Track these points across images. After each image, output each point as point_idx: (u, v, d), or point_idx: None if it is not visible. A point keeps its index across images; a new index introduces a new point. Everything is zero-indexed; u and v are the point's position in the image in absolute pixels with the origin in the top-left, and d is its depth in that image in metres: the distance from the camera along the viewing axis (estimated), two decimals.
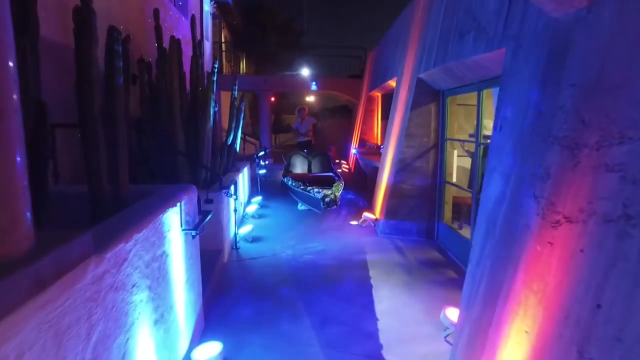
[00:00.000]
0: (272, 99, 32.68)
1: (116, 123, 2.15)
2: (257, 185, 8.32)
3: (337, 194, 5.82)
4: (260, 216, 6.92)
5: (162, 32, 5.27)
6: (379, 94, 10.70)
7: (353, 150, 10.57)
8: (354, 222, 6.47)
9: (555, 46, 2.21)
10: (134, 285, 1.83)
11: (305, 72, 13.56)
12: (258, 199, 7.50)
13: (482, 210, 2.74)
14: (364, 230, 6.14)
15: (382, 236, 5.80)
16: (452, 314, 3.07)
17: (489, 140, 5.21)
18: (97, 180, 2.05)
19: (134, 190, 2.69)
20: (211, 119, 5.48)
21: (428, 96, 5.60)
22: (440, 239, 5.58)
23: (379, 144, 10.71)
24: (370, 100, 11.43)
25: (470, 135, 5.58)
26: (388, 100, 10.22)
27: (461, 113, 5.75)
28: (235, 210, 5.49)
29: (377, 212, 6.48)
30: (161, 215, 2.28)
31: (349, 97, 13.81)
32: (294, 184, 6.95)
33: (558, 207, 1.90)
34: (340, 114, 17.18)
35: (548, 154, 2.07)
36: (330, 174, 8.44)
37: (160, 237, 2.25)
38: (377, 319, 3.41)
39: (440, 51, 4.59)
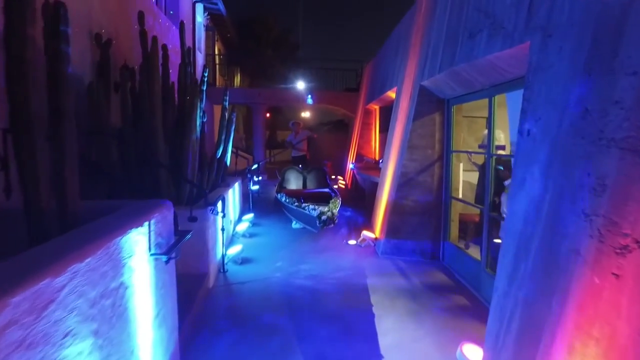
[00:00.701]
0: (268, 114, 32.48)
1: (62, 122, 1.72)
2: (249, 202, 7.86)
3: (334, 211, 5.38)
4: (251, 235, 6.45)
5: (148, 37, 4.88)
6: (377, 107, 10.37)
7: (350, 165, 10.18)
8: (352, 242, 6.01)
9: (602, 31, 1.82)
10: (67, 335, 1.37)
11: (300, 85, 13.25)
12: (250, 216, 7.04)
13: (508, 230, 2.31)
14: (363, 250, 5.68)
15: (383, 257, 5.34)
16: (471, 352, 2.61)
17: (500, 151, 4.84)
18: (33, 195, 1.61)
19: (93, 208, 2.24)
20: (197, 129, 5.07)
21: (432, 105, 5.22)
22: (446, 260, 5.13)
23: (377, 158, 10.33)
24: (367, 114, 11.10)
25: (480, 146, 5.19)
26: (386, 113, 9.89)
27: (464, 125, 5.37)
28: (223, 229, 5.02)
29: (377, 230, 6.03)
30: (119, 238, 1.83)
31: (345, 110, 13.50)
32: (288, 200, 6.51)
33: (624, 228, 1.47)
34: (336, 129, 16.86)
35: (602, 160, 1.65)
36: (327, 190, 8.01)
37: (116, 265, 1.80)
38: (381, 356, 2.94)
39: (447, 54, 4.23)
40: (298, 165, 9.47)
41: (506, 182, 4.34)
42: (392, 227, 5.45)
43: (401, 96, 6.35)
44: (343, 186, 11.72)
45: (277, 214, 7.83)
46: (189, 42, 9.68)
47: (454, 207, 5.14)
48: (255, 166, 10.39)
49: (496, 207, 4.24)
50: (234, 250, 5.19)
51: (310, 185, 8.76)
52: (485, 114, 4.37)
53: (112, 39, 4.99)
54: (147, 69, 4.46)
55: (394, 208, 5.43)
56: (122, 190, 4.31)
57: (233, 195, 6.61)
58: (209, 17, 13.04)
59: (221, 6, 12.67)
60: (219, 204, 4.61)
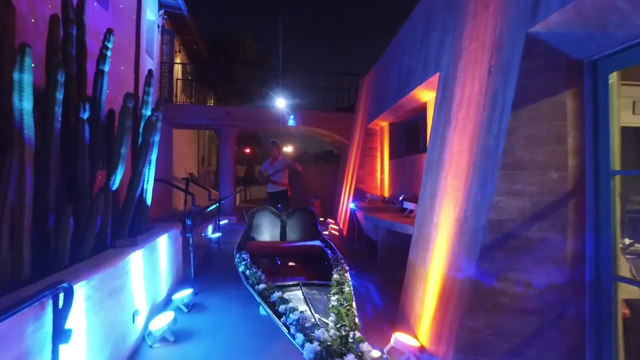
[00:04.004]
0: (248, 150, 29.62)
1: None
2: (190, 266, 4.76)
3: (354, 321, 2.29)
4: (178, 338, 3.40)
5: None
6: (385, 124, 7.61)
7: (351, 205, 7.28)
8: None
9: None
10: None
11: (280, 103, 10.53)
12: (183, 295, 3.99)
13: None
14: None
15: None
16: None
17: None
18: None
19: None
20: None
21: (556, 75, 2.45)
22: None
23: (386, 195, 7.47)
24: (369, 136, 8.34)
25: None
26: (402, 130, 7.13)
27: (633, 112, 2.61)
28: None
29: (420, 331, 3.08)
30: None
31: (336, 136, 10.74)
32: (251, 274, 3.40)
33: None
34: (325, 161, 14.08)
35: None
36: (317, 243, 5.03)
37: None
38: None
39: None
40: (275, 204, 6.52)
41: None
42: (470, 339, 2.51)
43: (455, 81, 3.59)
44: (337, 233, 8.76)
45: (238, 284, 4.79)
46: (123, 29, 6.92)
47: (618, 292, 2.26)
48: (212, 207, 7.40)
49: None
50: None
51: (293, 234, 5.77)
52: None
53: None
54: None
55: (474, 298, 2.52)
56: None
57: (155, 257, 3.57)
58: (166, 17, 10.38)
59: (182, 4, 10.06)
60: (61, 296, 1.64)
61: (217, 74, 14.89)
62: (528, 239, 2.46)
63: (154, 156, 3.99)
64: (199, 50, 13.35)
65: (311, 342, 1.78)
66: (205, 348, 3.28)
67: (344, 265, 3.43)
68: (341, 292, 2.58)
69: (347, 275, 3.07)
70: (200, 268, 5.72)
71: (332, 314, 1.94)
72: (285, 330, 2.11)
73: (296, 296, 2.74)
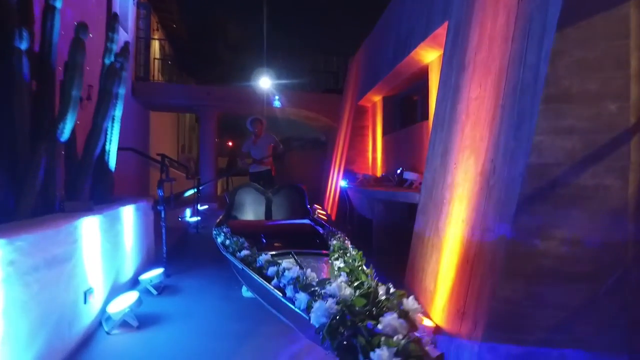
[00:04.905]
0: (230, 143, 28.82)
1: None
2: (162, 244, 4.15)
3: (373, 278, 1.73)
4: (143, 323, 2.84)
5: None
6: (379, 98, 7.10)
7: (342, 183, 6.77)
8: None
9: None
10: None
11: (264, 83, 9.90)
12: (152, 275, 3.43)
13: None
14: None
15: None
16: None
17: None
18: None
19: None
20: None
21: None
22: None
23: (378, 175, 6.98)
24: (360, 114, 7.84)
25: None
26: (397, 103, 6.64)
27: None
28: None
29: (434, 309, 2.60)
30: None
31: (324, 117, 10.20)
32: (231, 243, 2.85)
33: None
34: (311, 147, 13.52)
35: None
36: (308, 221, 4.50)
37: None
38: None
39: None
40: (259, 182, 5.97)
41: None
42: (504, 312, 2.04)
43: (469, 25, 3.10)
44: (325, 218, 8.24)
45: (218, 265, 4.24)
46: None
47: None
48: (190, 191, 6.82)
49: None
50: None
51: (279, 213, 5.24)
52: None
53: None
54: None
55: (509, 262, 2.04)
56: None
57: (109, 232, 2.97)
58: None
59: None
60: None
61: (198, 57, 14.17)
62: (579, 186, 1.98)
63: (118, 112, 3.40)
64: (179, 31, 12.63)
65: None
66: (177, 334, 2.73)
67: (343, 235, 2.90)
68: (345, 255, 2.05)
69: (349, 243, 2.55)
70: (176, 251, 5.14)
71: (342, 274, 1.40)
72: (278, 294, 1.56)
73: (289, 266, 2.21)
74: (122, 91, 3.40)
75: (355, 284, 1.21)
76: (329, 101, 10.01)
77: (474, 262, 2.33)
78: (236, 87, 10.83)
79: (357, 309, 1.07)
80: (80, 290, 2.46)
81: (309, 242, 3.72)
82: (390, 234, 4.54)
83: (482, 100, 2.65)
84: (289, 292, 1.46)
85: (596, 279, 1.95)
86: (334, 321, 1.05)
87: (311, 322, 1.14)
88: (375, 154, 7.38)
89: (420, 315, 1.09)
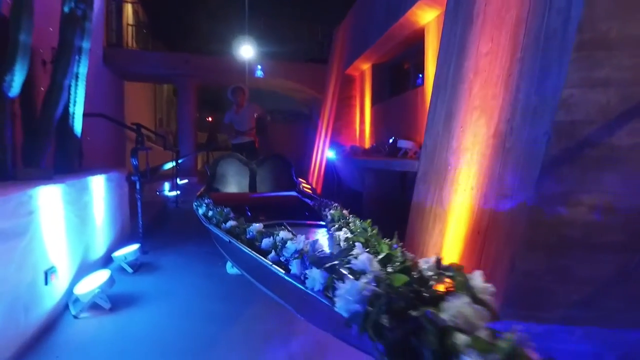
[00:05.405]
0: (210, 118, 28.10)
1: None
2: (138, 218, 3.80)
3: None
4: (117, 305, 2.54)
5: None
6: (367, 66, 6.76)
7: (330, 154, 6.48)
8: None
9: None
10: None
11: (246, 51, 9.39)
12: (126, 252, 3.12)
13: None
14: None
15: None
16: None
17: None
18: None
19: None
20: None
21: None
22: None
23: (366, 145, 6.72)
24: (347, 84, 7.49)
25: None
26: (387, 70, 6.31)
27: None
28: None
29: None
30: None
31: (308, 89, 9.80)
32: (214, 215, 2.54)
33: None
34: (294, 120, 13.13)
35: None
36: (294, 194, 4.23)
37: None
38: None
39: None
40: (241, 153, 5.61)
41: None
42: (523, 287, 1.83)
43: None
44: (310, 192, 7.99)
45: (200, 240, 3.95)
46: None
47: None
48: (168, 165, 6.43)
49: None
50: None
51: (264, 185, 4.93)
52: None
53: None
54: None
55: (530, 231, 1.81)
56: None
57: (75, 204, 2.62)
58: None
59: None
60: None
61: (176, 25, 13.43)
62: (612, 146, 1.75)
63: (82, 69, 3.00)
64: None
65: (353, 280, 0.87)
66: (155, 316, 2.45)
67: (339, 205, 2.64)
68: (347, 225, 1.78)
69: (347, 212, 2.28)
70: (154, 226, 4.81)
71: (357, 244, 1.13)
72: (279, 270, 1.27)
73: None
74: (86, 45, 2.99)
75: (379, 257, 0.94)
76: (313, 71, 9.60)
77: (486, 233, 2.10)
78: (216, 55, 10.26)
79: (399, 289, 0.79)
80: (40, 269, 2.15)
81: (297, 215, 3.43)
82: (382, 206, 4.31)
83: (495, 55, 2.38)
84: (294, 268, 1.17)
85: (628, 250, 1.75)
86: (374, 309, 0.75)
87: (336, 309, 0.84)
88: (363, 125, 7.09)
89: (492, 298, 0.82)
